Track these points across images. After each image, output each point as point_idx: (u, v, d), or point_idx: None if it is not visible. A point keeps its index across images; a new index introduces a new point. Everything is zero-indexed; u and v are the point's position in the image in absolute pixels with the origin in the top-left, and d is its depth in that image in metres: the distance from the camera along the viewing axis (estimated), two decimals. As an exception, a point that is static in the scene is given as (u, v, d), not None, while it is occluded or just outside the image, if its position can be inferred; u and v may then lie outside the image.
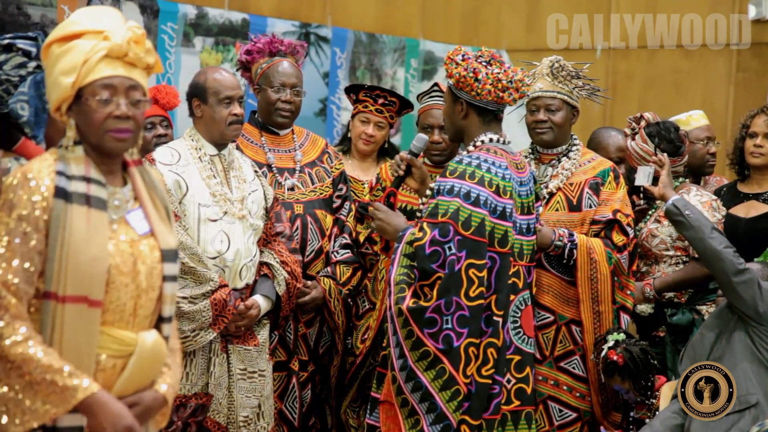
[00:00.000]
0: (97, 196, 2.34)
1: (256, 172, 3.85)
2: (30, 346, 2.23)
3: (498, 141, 3.43)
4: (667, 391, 3.77)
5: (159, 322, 2.46)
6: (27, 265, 2.27)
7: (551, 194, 3.90)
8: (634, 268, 3.97)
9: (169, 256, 2.44)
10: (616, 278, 3.84)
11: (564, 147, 3.97)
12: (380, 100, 4.54)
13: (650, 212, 4.34)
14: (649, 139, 4.21)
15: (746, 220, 4.37)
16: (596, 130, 4.73)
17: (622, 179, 3.98)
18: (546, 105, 3.91)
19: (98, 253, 2.30)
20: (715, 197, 4.28)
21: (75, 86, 2.31)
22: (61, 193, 2.29)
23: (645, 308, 4.21)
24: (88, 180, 2.34)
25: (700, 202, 4.14)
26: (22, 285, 2.27)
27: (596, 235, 3.85)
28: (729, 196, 4.50)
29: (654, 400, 3.79)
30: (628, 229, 3.86)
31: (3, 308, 2.26)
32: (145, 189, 2.45)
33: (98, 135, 2.34)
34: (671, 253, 4.21)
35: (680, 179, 4.30)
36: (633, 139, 4.26)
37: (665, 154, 4.13)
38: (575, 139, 4.01)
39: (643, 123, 4.26)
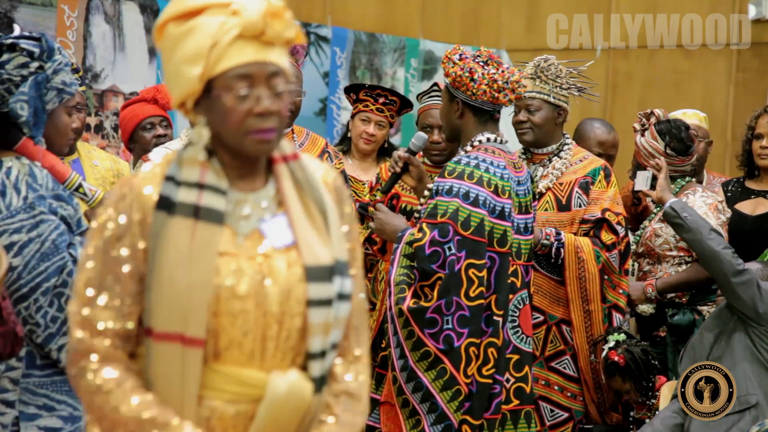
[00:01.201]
0: (209, 206, 1.84)
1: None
2: (117, 395, 1.81)
3: (495, 141, 3.43)
4: (666, 391, 3.77)
5: (307, 358, 1.89)
6: (117, 296, 1.83)
7: (541, 194, 3.88)
8: (627, 266, 3.95)
9: (316, 274, 1.87)
10: (607, 277, 3.83)
11: (554, 147, 3.94)
12: (381, 99, 4.54)
13: (654, 211, 4.32)
14: (659, 136, 4.15)
15: (753, 218, 4.33)
16: (582, 121, 4.65)
17: (613, 178, 3.94)
18: (526, 105, 3.88)
19: (199, 279, 1.80)
20: (720, 199, 4.23)
21: (203, 78, 1.82)
22: (164, 204, 1.83)
23: (646, 308, 4.20)
24: (201, 186, 1.85)
25: (705, 203, 4.08)
26: (110, 321, 1.83)
27: (586, 235, 3.83)
28: (737, 191, 4.47)
29: (654, 401, 3.80)
30: (618, 227, 3.83)
31: (85, 353, 1.83)
32: (294, 191, 1.92)
33: (237, 137, 1.85)
34: (674, 253, 4.19)
35: (686, 179, 4.25)
36: (642, 135, 4.21)
37: (663, 159, 4.10)
38: (567, 138, 3.98)
39: (653, 119, 4.21)
